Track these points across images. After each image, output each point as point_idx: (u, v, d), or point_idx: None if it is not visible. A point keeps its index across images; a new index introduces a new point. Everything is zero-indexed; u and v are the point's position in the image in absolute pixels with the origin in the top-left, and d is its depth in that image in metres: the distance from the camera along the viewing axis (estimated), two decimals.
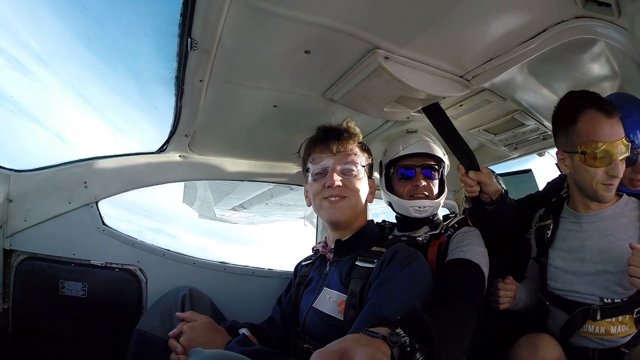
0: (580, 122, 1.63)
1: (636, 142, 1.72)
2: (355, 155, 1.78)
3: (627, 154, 1.62)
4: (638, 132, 1.74)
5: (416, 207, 2.00)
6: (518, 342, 1.63)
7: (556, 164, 2.12)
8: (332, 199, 1.71)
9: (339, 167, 1.72)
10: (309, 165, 1.78)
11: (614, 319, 1.62)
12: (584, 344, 1.67)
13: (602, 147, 1.58)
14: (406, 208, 2.02)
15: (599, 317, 1.62)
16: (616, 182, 1.64)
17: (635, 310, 1.60)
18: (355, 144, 1.81)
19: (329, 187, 1.70)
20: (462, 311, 1.41)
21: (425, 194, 2.02)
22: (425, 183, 2.02)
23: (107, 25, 1.89)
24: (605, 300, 1.63)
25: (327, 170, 1.72)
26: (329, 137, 1.77)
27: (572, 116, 1.66)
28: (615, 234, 1.67)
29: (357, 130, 1.85)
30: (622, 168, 1.61)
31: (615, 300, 1.61)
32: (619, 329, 1.61)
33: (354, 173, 1.75)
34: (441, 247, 1.86)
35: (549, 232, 1.84)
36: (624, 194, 1.76)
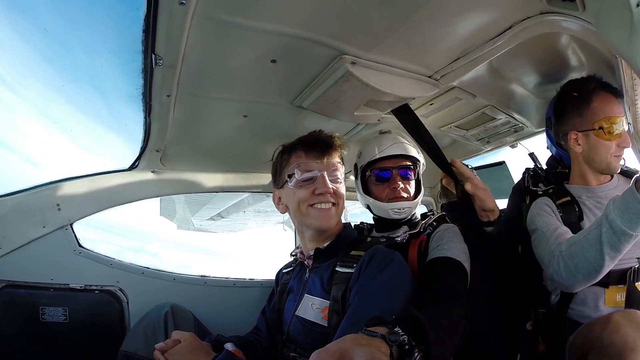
0: (594, 102, 1.80)
1: None
2: (339, 163, 1.80)
3: (627, 129, 1.79)
4: None
5: (395, 209, 2.00)
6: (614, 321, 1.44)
7: (547, 147, 2.21)
8: (323, 206, 1.70)
9: (327, 175, 1.71)
10: (295, 171, 1.73)
11: None
12: None
13: (617, 122, 1.77)
14: (385, 210, 2.03)
15: (639, 278, 1.69)
16: (623, 154, 1.84)
17: None
18: (339, 154, 1.82)
19: (320, 194, 1.69)
20: (450, 310, 1.42)
21: (403, 196, 2.02)
22: (403, 184, 2.03)
23: (70, 45, 1.85)
24: None
25: (315, 178, 1.71)
26: (318, 145, 1.76)
27: (585, 97, 1.82)
28: None
29: (342, 141, 1.85)
30: None
31: None
32: None
33: (340, 180, 1.77)
34: (421, 246, 1.86)
35: (577, 207, 1.89)
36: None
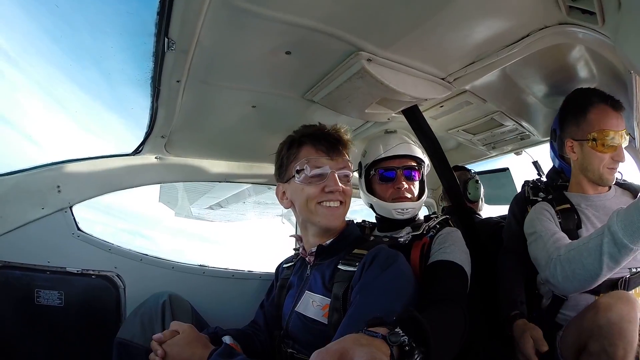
0: (591, 114, 1.82)
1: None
2: (349, 161, 1.75)
3: (627, 144, 1.81)
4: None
5: (399, 210, 1.99)
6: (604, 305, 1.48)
7: (551, 158, 2.21)
8: (332, 204, 1.66)
9: (337, 173, 1.67)
10: (305, 166, 1.66)
11: (639, 289, 1.72)
12: None
13: (611, 135, 1.78)
14: (388, 210, 2.02)
15: (628, 288, 1.70)
16: (617, 167, 1.85)
17: None
18: (348, 151, 1.77)
19: (329, 192, 1.64)
20: (450, 313, 1.42)
21: (407, 196, 2.01)
22: (407, 185, 2.02)
23: (77, 25, 1.82)
24: (633, 270, 1.71)
25: (325, 174, 1.66)
26: (328, 141, 1.70)
27: (583, 108, 1.85)
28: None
29: (350, 138, 1.79)
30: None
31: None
32: None
33: (348, 179, 1.73)
34: (424, 248, 1.84)
35: (576, 215, 1.89)
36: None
